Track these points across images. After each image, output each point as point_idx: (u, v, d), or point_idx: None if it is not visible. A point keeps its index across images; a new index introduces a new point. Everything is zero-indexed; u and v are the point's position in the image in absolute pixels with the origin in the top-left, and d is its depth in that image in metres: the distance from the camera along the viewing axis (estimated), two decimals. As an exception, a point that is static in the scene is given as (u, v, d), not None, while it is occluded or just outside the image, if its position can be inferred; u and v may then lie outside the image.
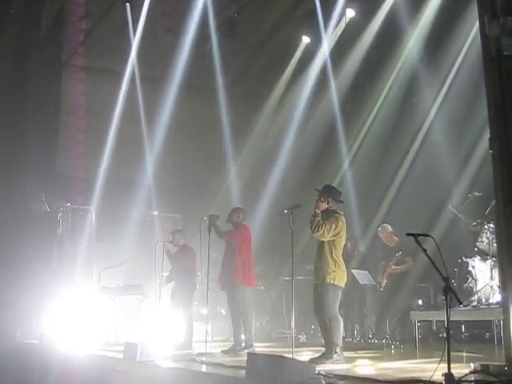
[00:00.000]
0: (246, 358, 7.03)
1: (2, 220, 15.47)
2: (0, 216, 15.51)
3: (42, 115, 16.75)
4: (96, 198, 16.45)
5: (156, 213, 17.16)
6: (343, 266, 9.15)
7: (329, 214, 9.15)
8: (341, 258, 9.14)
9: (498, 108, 6.46)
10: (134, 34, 16.96)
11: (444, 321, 5.87)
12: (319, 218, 9.00)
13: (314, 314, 9.25)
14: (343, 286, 9.18)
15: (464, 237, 11.90)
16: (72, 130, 17.28)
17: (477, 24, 7.45)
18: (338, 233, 9.07)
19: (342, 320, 9.16)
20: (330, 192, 9.35)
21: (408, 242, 10.98)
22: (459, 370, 6.00)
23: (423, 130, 14.35)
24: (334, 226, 8.99)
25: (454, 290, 5.87)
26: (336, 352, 8.72)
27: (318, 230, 8.93)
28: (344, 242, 9.35)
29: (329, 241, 9.07)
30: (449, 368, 5.62)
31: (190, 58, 17.28)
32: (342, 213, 9.32)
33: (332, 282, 8.97)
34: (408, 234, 6.24)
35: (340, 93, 16.26)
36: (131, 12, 16.76)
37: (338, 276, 9.02)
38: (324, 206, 9.16)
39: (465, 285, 11.17)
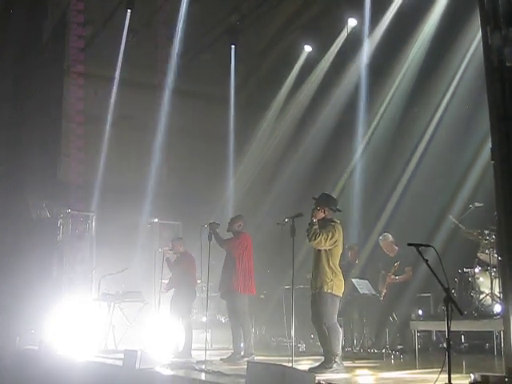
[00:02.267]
0: (245, 367, 7.02)
1: (2, 226, 15.46)
2: (0, 222, 15.50)
3: (42, 121, 16.78)
4: (96, 204, 16.45)
5: (156, 220, 17.15)
6: (340, 275, 9.13)
7: (325, 223, 9.13)
8: (338, 267, 9.13)
9: (500, 118, 6.45)
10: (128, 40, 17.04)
11: (444, 331, 5.86)
12: (316, 227, 8.98)
13: (312, 324, 9.24)
14: (341, 295, 9.15)
15: (465, 247, 11.86)
16: (73, 137, 17.30)
17: (479, 34, 7.46)
18: (335, 242, 9.05)
19: (341, 329, 9.15)
20: (326, 200, 9.33)
21: (408, 252, 11.03)
22: (459, 381, 5.99)
23: (425, 140, 14.32)
24: (330, 235, 8.97)
25: (454, 300, 5.86)
26: (335, 361, 8.70)
27: (314, 239, 8.91)
28: (341, 251, 9.33)
29: (325, 250, 9.06)
30: (449, 379, 5.62)
31: (191, 66, 17.35)
32: (339, 222, 9.30)
33: (330, 291, 8.94)
34: (409, 244, 6.23)
35: (341, 102, 16.25)
36: (132, 20, 16.79)
37: (336, 285, 8.99)
38: (321, 214, 9.15)
39: (465, 295, 11.14)
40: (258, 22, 16.84)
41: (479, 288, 11.03)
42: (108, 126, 17.12)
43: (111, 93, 17.37)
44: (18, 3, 16.55)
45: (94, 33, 17.45)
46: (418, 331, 11.08)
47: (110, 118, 17.22)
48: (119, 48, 17.11)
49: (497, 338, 10.31)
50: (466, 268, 11.32)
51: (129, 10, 16.48)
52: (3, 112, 16.68)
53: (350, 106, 15.99)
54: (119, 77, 17.31)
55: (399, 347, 11.59)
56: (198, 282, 12.59)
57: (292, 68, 17.61)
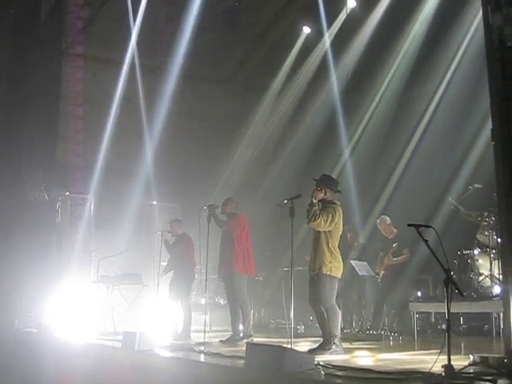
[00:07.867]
0: (244, 348, 7.03)
1: (0, 208, 15.43)
2: (-1, 204, 15.48)
3: (40, 102, 16.69)
4: (95, 186, 16.38)
5: (155, 202, 17.11)
6: (339, 257, 9.10)
7: (325, 205, 9.09)
8: (337, 249, 9.09)
9: (501, 99, 6.40)
10: (134, 23, 16.86)
11: (443, 312, 5.85)
12: (316, 208, 8.93)
13: (310, 305, 9.21)
14: (339, 277, 9.13)
15: (464, 229, 11.86)
16: (71, 118, 17.20)
17: (480, 14, 7.40)
18: (335, 223, 9.00)
19: (339, 311, 9.14)
20: (327, 181, 9.28)
21: (406, 234, 11.03)
22: (458, 362, 5.96)
23: (424, 121, 14.30)
24: (330, 217, 8.92)
25: (455, 281, 5.84)
26: (334, 343, 8.71)
27: (314, 220, 8.87)
28: (340, 233, 9.27)
29: (325, 231, 9.01)
30: (449, 360, 5.60)
31: (190, 47, 17.24)
32: (339, 203, 9.26)
33: (328, 273, 8.92)
34: (409, 225, 6.21)
35: (340, 84, 16.19)
36: (132, 0, 16.67)
37: (335, 267, 8.97)
38: (321, 195, 9.09)
39: (464, 277, 11.15)
40: (257, 3, 16.74)
41: (478, 270, 11.05)
42: (107, 108, 17.02)
43: (111, 75, 17.26)
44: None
45: (93, 14, 17.31)
46: (416, 313, 11.11)
47: (109, 99, 17.11)
48: (119, 29, 16.98)
49: (495, 320, 10.34)
50: (465, 250, 11.34)
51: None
52: (0, 93, 16.59)
53: (350, 87, 15.94)
54: (119, 58, 17.19)
55: (398, 329, 11.61)
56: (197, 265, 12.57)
57: (291, 49, 17.52)
